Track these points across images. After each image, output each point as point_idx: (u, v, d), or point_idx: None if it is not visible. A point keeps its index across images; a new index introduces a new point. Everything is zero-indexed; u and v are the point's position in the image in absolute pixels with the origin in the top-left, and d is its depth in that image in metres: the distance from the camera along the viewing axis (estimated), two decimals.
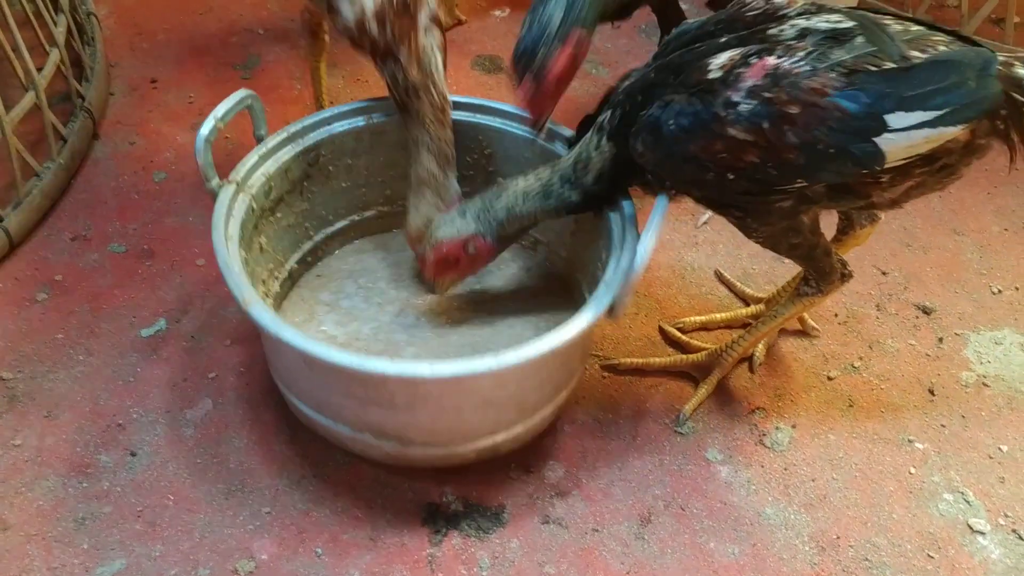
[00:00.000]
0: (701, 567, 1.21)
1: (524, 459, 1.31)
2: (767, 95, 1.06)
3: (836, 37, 1.08)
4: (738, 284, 1.55)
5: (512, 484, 1.29)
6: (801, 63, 1.07)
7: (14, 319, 1.44)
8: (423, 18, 1.30)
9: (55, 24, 1.72)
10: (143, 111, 1.81)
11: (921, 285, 1.58)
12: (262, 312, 1.13)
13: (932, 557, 1.24)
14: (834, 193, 1.15)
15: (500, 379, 1.15)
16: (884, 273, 1.60)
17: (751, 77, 1.07)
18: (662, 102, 1.12)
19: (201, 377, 1.39)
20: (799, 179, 1.10)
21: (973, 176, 1.67)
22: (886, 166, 1.09)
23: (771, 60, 1.08)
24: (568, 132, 1.36)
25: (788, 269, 1.38)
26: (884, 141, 1.06)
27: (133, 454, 1.30)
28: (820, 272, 1.27)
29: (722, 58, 1.11)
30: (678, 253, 1.60)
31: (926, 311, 1.54)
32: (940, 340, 1.50)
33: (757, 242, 1.24)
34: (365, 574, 1.19)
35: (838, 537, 1.25)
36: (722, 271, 1.57)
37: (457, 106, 1.41)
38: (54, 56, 1.67)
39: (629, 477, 1.31)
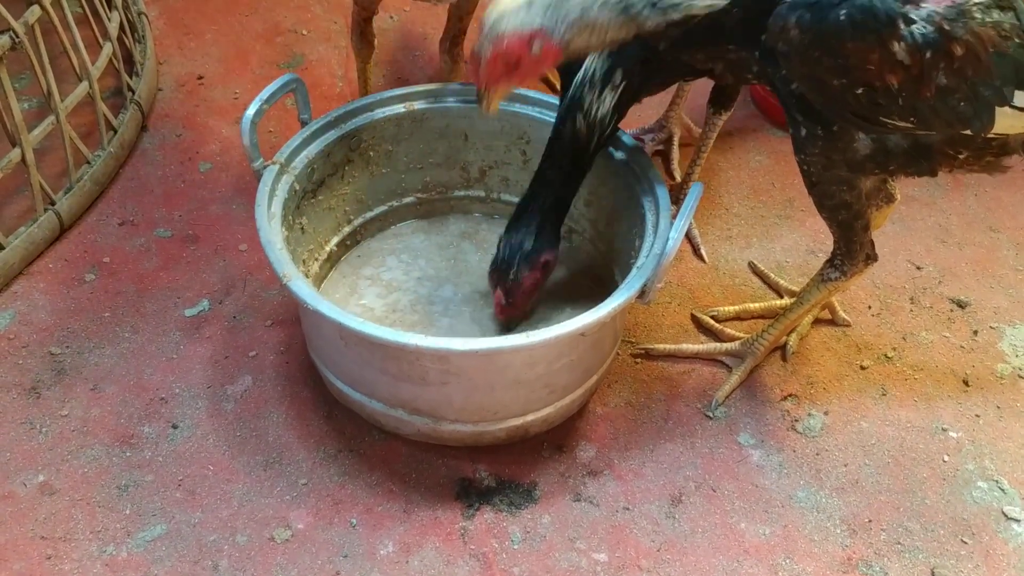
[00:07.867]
0: (731, 546, 1.22)
1: (556, 439, 1.33)
2: (945, 27, 1.01)
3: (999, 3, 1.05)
4: (772, 275, 1.55)
5: (544, 463, 1.30)
6: (975, 8, 1.03)
7: (63, 298, 1.49)
8: None
9: (108, 20, 1.79)
10: (190, 106, 1.87)
11: (956, 279, 1.58)
12: (301, 286, 1.16)
13: (966, 543, 1.23)
14: (911, 156, 1.14)
15: (530, 357, 1.17)
16: (918, 268, 1.60)
17: (935, 1, 1.02)
18: None
19: (242, 355, 1.42)
20: (913, 119, 1.07)
21: (1010, 176, 1.66)
22: (983, 136, 1.09)
23: None
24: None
25: (821, 262, 1.39)
26: (999, 114, 1.06)
27: (174, 426, 1.33)
28: (850, 248, 1.27)
29: None
30: (712, 245, 1.62)
31: (961, 305, 1.54)
32: (975, 333, 1.49)
33: (810, 185, 1.20)
34: (398, 544, 1.21)
35: (870, 521, 1.25)
36: (756, 263, 1.58)
37: None
38: (107, 49, 1.74)
39: (660, 459, 1.31)
